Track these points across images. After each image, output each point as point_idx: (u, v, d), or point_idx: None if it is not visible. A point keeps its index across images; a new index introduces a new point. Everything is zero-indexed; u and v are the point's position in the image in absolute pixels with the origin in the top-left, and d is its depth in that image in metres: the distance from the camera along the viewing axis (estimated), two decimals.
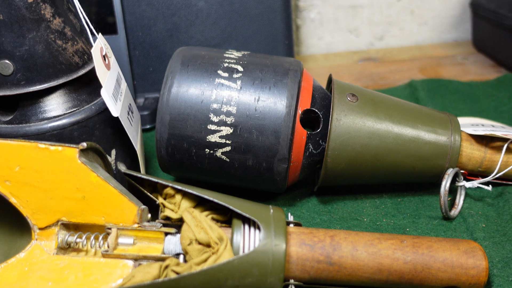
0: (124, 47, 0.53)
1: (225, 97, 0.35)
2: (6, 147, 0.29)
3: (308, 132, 0.36)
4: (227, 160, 0.36)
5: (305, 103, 0.36)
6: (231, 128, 0.35)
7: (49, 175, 0.29)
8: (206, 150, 0.36)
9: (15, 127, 0.33)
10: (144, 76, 0.55)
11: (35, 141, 0.29)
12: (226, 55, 0.38)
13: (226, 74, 0.36)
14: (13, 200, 0.30)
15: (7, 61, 0.32)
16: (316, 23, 0.72)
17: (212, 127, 0.35)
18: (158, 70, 0.55)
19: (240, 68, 0.36)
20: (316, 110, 0.37)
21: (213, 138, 0.35)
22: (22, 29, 0.32)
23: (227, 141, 0.35)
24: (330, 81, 0.41)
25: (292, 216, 0.32)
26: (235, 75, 0.36)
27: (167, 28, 0.54)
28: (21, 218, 0.31)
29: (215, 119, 0.35)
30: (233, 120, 0.35)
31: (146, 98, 0.55)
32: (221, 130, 0.35)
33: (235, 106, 0.35)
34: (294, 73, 0.36)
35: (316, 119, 0.39)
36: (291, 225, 0.31)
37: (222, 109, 0.35)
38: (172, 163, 0.37)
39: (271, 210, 0.30)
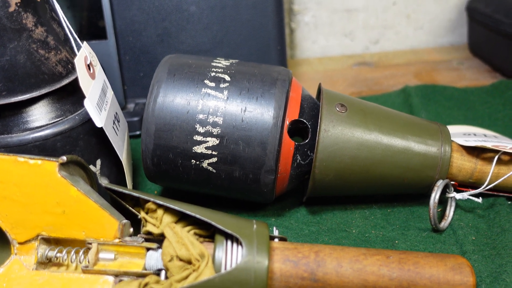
0: (114, 52, 0.52)
1: (212, 107, 0.35)
2: None
3: (296, 143, 0.36)
4: (214, 171, 0.35)
5: (293, 113, 0.36)
6: (218, 139, 0.35)
7: (28, 189, 0.29)
8: (192, 161, 0.35)
9: None
10: (135, 81, 0.55)
11: (14, 154, 0.29)
12: (214, 64, 0.37)
13: (213, 84, 0.35)
14: None
15: None
16: (311, 27, 0.72)
17: (198, 137, 0.35)
18: (149, 75, 0.54)
19: (227, 78, 0.36)
20: (304, 121, 0.36)
21: (199, 149, 0.35)
22: (2, 39, 0.31)
23: (213, 152, 0.35)
24: (320, 90, 0.41)
25: (277, 230, 0.32)
26: (222, 85, 0.35)
27: (157, 33, 0.53)
28: (0, 232, 0.30)
29: (201, 129, 0.35)
30: (219, 131, 0.35)
31: (137, 103, 0.55)
32: (207, 141, 0.35)
33: (221, 117, 0.35)
34: (282, 83, 0.36)
35: (304, 129, 0.38)
36: (276, 239, 0.31)
37: (208, 120, 0.35)
38: (158, 174, 0.37)
39: (255, 226, 0.29)
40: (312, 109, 0.38)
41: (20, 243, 0.29)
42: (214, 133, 0.35)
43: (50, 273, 0.29)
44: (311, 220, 0.39)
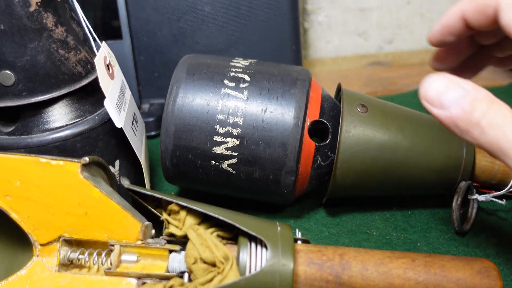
0: (129, 52, 0.52)
1: (232, 107, 0.34)
2: (6, 161, 0.28)
3: (317, 144, 0.35)
4: (233, 172, 0.35)
5: (313, 114, 0.35)
6: (238, 140, 0.34)
7: (50, 190, 0.29)
8: (212, 162, 0.35)
9: (17, 139, 0.32)
10: (149, 82, 0.54)
11: (36, 155, 0.28)
12: (233, 64, 0.37)
13: (232, 84, 0.35)
14: (13, 215, 0.29)
15: (8, 72, 0.31)
16: (324, 26, 0.71)
17: (218, 138, 0.34)
18: (164, 75, 0.54)
19: (247, 78, 0.35)
20: (325, 121, 0.36)
21: (219, 149, 0.34)
22: (23, 38, 0.31)
23: (234, 153, 0.34)
24: (339, 89, 0.40)
25: (300, 233, 0.31)
26: (241, 85, 0.35)
27: (172, 33, 0.53)
28: (22, 232, 0.30)
29: (221, 130, 0.34)
30: (239, 132, 0.34)
31: (151, 104, 0.54)
32: (227, 142, 0.34)
33: (241, 117, 0.34)
34: (303, 83, 0.35)
35: (324, 129, 0.38)
36: (299, 242, 0.30)
37: (228, 120, 0.34)
38: (177, 175, 0.36)
39: (279, 228, 0.29)
40: (332, 109, 0.37)
41: (42, 245, 0.29)
42: (234, 134, 0.34)
43: (72, 275, 0.29)
44: (330, 222, 0.39)
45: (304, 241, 0.31)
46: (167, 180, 0.38)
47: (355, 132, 0.35)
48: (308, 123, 0.35)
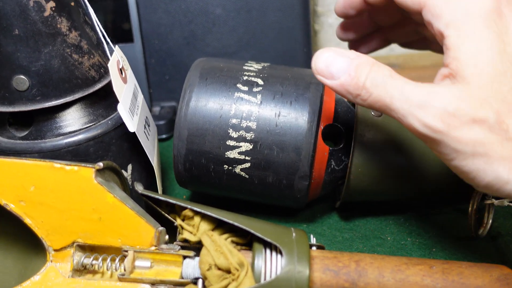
0: (140, 55, 0.52)
1: (245, 112, 0.34)
2: (21, 166, 0.28)
3: (331, 148, 0.35)
4: (246, 176, 0.35)
5: (327, 118, 0.35)
6: (251, 144, 0.34)
7: (64, 195, 0.28)
8: (225, 166, 0.35)
9: (30, 143, 0.32)
10: (160, 85, 0.54)
11: (50, 160, 0.28)
12: (246, 68, 0.37)
13: (245, 88, 0.35)
14: (28, 220, 0.29)
15: (22, 77, 0.31)
16: (335, 28, 0.70)
17: (231, 142, 0.34)
18: (175, 78, 0.54)
19: (260, 82, 0.35)
20: (339, 125, 0.36)
21: (232, 154, 0.34)
22: (37, 43, 0.31)
23: (247, 158, 0.34)
24: None
25: (314, 238, 0.31)
26: (255, 89, 0.35)
27: (184, 36, 0.53)
28: (36, 237, 0.30)
29: (234, 134, 0.34)
30: (253, 136, 0.34)
31: (162, 107, 0.54)
32: (240, 146, 0.34)
33: (255, 122, 0.34)
34: (316, 87, 0.35)
35: (338, 133, 0.37)
36: (314, 248, 0.30)
37: (241, 125, 0.34)
38: (190, 179, 0.36)
39: (293, 234, 0.29)
40: (346, 113, 0.37)
41: (55, 250, 0.29)
42: (248, 138, 0.34)
43: (86, 280, 0.28)
44: (344, 227, 0.39)
45: (319, 247, 0.30)
46: (179, 184, 0.38)
47: (369, 136, 0.35)
48: (322, 127, 0.34)
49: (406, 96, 0.25)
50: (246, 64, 0.37)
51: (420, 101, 0.25)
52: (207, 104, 0.34)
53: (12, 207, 0.29)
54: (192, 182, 0.37)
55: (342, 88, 0.27)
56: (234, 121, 0.34)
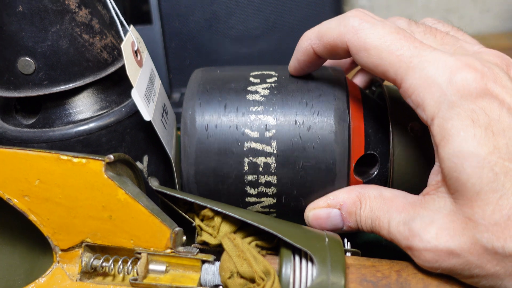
0: (159, 38, 0.49)
1: (261, 166, 0.29)
2: (24, 157, 0.26)
3: (364, 180, 0.30)
4: (275, 215, 0.31)
5: (358, 150, 0.29)
6: (274, 198, 0.29)
7: (71, 190, 0.26)
8: None
9: (38, 132, 0.30)
10: (181, 70, 0.51)
11: (56, 151, 0.26)
12: (250, 97, 0.30)
13: (256, 134, 0.29)
14: (32, 217, 0.26)
15: (28, 59, 0.28)
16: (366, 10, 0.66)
17: (251, 199, 0.30)
18: (196, 63, 0.51)
19: (271, 121, 0.29)
20: (374, 153, 0.30)
21: (254, 208, 0.30)
22: (44, 22, 0.28)
23: (271, 210, 0.30)
24: (385, 99, 0.34)
25: (348, 243, 0.27)
26: (267, 134, 0.29)
27: (205, 17, 0.49)
28: (42, 237, 0.27)
29: (253, 191, 0.29)
30: (274, 191, 0.29)
31: (183, 93, 0.51)
32: (262, 201, 0.30)
33: (275, 175, 0.29)
34: (341, 114, 0.29)
35: (371, 156, 0.31)
36: (348, 253, 0.27)
37: (259, 181, 0.29)
38: None
39: (326, 239, 0.25)
40: (377, 131, 0.31)
41: (63, 250, 0.26)
42: (269, 193, 0.29)
43: (95, 284, 0.26)
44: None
45: (354, 253, 0.27)
46: None
47: (408, 160, 0.29)
48: (353, 164, 0.29)
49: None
50: (249, 87, 0.30)
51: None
52: (210, 164, 0.29)
53: (15, 202, 0.26)
54: None
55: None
56: (250, 177, 0.29)
